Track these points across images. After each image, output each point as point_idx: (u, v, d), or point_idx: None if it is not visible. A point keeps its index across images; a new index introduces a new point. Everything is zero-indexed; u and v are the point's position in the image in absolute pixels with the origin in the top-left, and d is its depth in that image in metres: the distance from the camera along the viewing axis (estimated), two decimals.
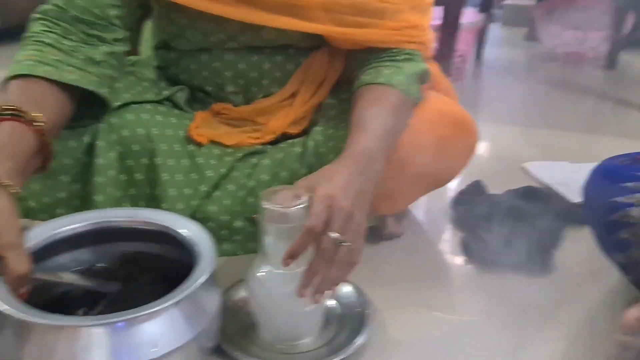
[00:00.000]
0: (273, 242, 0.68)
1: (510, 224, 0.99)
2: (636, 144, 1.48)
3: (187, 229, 0.72)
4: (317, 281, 0.67)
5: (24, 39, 0.81)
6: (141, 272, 0.74)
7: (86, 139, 0.85)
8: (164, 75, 0.99)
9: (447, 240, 1.03)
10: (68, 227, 0.72)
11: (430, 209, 1.14)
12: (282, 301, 0.70)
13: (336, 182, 0.69)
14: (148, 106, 0.92)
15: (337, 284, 0.69)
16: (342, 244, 0.67)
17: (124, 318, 0.57)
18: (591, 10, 2.34)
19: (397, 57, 0.88)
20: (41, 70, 0.75)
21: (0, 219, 0.61)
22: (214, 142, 0.94)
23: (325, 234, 0.66)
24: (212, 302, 0.66)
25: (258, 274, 0.70)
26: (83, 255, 0.75)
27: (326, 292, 0.69)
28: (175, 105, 0.98)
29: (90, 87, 0.80)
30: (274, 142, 0.97)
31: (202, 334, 0.63)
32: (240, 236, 0.93)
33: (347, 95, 0.98)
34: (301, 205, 0.66)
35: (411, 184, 0.92)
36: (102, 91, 0.82)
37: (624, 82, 2.29)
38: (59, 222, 0.73)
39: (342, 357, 0.70)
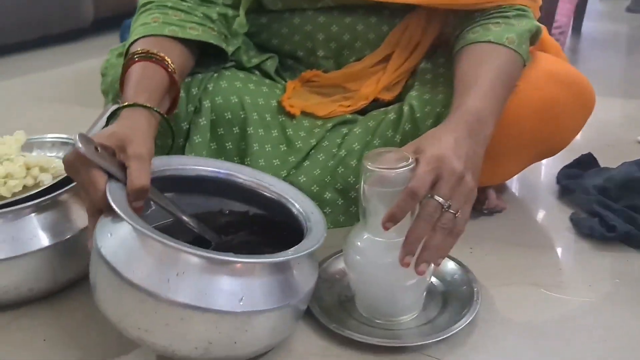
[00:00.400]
0: (375, 207, 0.63)
1: (630, 198, 0.89)
2: None
3: (302, 203, 0.71)
4: (419, 249, 0.61)
5: (143, 4, 0.83)
6: (247, 232, 0.72)
7: (195, 91, 0.84)
8: (253, 43, 0.96)
9: (554, 217, 0.93)
10: (194, 167, 0.72)
11: (532, 183, 1.05)
12: (382, 272, 0.65)
13: (446, 143, 0.63)
14: (241, 74, 0.90)
15: (442, 255, 0.62)
16: (448, 210, 0.61)
17: (223, 257, 0.55)
18: None
19: (508, 13, 0.81)
20: (167, 30, 0.78)
21: (133, 132, 0.63)
22: (304, 113, 0.90)
23: (430, 197, 0.60)
24: (311, 274, 0.64)
25: (357, 242, 0.66)
26: (196, 199, 0.74)
27: (431, 265, 0.63)
28: (264, 74, 0.95)
29: (212, 41, 0.82)
30: (365, 112, 0.92)
31: (295, 302, 0.60)
32: (330, 209, 0.89)
33: (443, 59, 0.92)
34: (407, 168, 0.61)
35: (518, 151, 0.84)
36: (222, 45, 0.84)
37: None
38: (189, 159, 0.74)
39: (447, 335, 0.64)
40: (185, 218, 0.66)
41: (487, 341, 0.66)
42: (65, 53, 2.32)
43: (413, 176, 0.60)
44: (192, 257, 0.55)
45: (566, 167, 1.05)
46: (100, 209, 0.59)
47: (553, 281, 0.76)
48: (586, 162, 1.05)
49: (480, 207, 0.92)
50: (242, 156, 0.88)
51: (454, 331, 0.65)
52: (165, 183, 0.68)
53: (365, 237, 0.65)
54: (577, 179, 0.99)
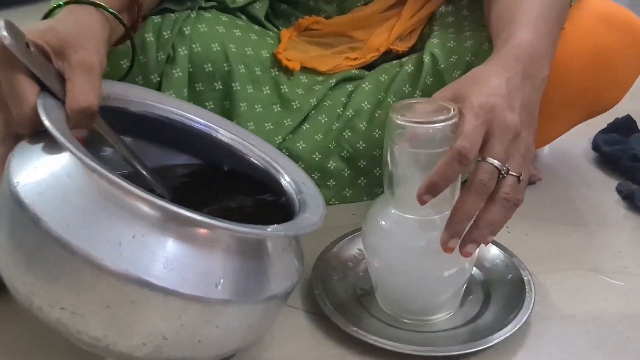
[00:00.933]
0: (405, 175, 0.48)
1: None
2: None
3: (293, 175, 0.55)
4: (466, 228, 0.47)
5: None
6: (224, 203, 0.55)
7: (167, 34, 0.67)
8: None
9: (598, 188, 0.79)
10: (159, 105, 0.55)
11: (565, 151, 0.91)
12: (413, 259, 0.50)
13: (496, 87, 0.48)
14: (224, 17, 0.73)
15: (494, 232, 0.48)
16: (506, 174, 0.46)
17: (212, 221, 0.39)
18: None
19: None
20: None
21: (80, 32, 0.46)
22: (303, 69, 0.75)
23: (482, 160, 0.46)
24: (300, 260, 0.49)
25: (381, 221, 0.51)
26: (156, 151, 0.58)
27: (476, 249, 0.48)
28: (252, 19, 0.78)
29: None
30: (373, 67, 0.77)
31: (281, 295, 0.46)
32: (335, 181, 0.74)
33: (467, 1, 0.76)
34: (449, 121, 0.46)
35: (566, 108, 0.70)
36: None
37: None
38: (152, 95, 0.56)
39: (498, 340, 0.50)
40: (135, 166, 0.49)
41: (547, 344, 0.52)
42: (26, 14, 2.12)
43: (459, 132, 0.45)
44: (162, 214, 0.38)
45: (602, 131, 0.91)
46: (19, 133, 0.43)
47: (614, 266, 0.62)
48: (625, 125, 0.91)
49: None
50: (226, 118, 0.72)
51: (505, 335, 0.50)
52: (116, 119, 0.49)
53: (391, 213, 0.50)
54: (619, 145, 0.85)
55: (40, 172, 0.40)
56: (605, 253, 0.65)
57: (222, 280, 0.40)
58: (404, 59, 0.75)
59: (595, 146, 0.88)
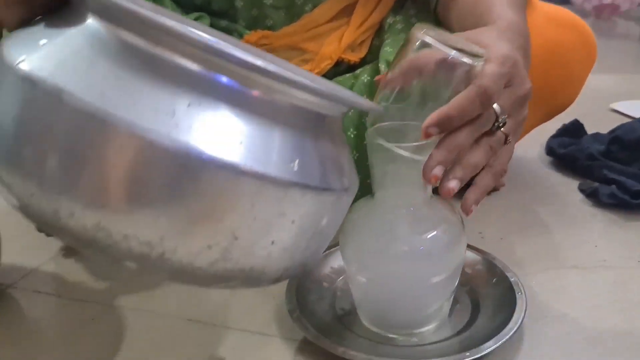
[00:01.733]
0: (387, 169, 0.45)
1: None
2: None
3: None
4: (452, 160, 0.42)
5: None
6: None
7: None
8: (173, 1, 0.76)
9: (561, 189, 0.79)
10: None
11: (521, 158, 0.90)
12: (399, 266, 0.46)
13: (510, 48, 0.45)
14: None
15: (481, 192, 0.44)
16: (501, 126, 0.43)
17: (271, 68, 0.31)
18: None
19: None
20: None
21: None
22: None
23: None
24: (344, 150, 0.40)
25: (360, 232, 0.47)
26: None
27: (463, 253, 0.45)
28: None
29: None
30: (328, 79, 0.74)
31: (353, 189, 0.39)
32: None
33: (414, 10, 0.76)
34: (481, 60, 0.42)
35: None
36: None
37: None
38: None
39: (495, 346, 0.46)
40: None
41: (544, 345, 0.49)
42: None
43: (483, 73, 0.42)
44: (235, 70, 0.30)
45: (554, 136, 0.91)
46: None
47: (595, 261, 0.61)
48: (574, 129, 0.92)
49: None
50: None
51: (504, 339, 0.47)
52: None
53: (371, 214, 0.47)
54: (575, 145, 0.85)
55: (52, 45, 0.32)
56: (582, 250, 0.63)
57: (297, 160, 0.33)
58: (357, 71, 0.72)
59: (550, 150, 0.88)
